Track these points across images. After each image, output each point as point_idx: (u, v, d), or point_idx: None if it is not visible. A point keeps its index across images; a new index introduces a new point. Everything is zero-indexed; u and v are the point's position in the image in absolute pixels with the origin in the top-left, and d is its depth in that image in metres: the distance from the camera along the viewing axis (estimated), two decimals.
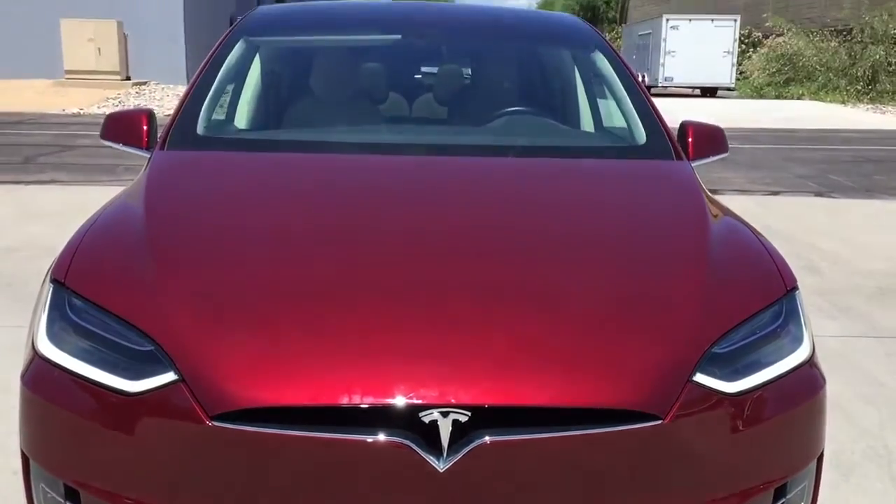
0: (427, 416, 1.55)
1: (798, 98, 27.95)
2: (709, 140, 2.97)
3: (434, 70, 3.45)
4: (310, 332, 1.71)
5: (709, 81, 30.80)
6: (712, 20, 31.44)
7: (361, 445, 1.55)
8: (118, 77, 25.05)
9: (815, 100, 27.16)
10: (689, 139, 2.92)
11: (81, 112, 18.48)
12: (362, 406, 1.57)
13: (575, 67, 3.51)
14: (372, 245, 2.04)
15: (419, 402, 1.56)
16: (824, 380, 1.95)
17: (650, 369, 1.68)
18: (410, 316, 1.76)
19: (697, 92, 31.61)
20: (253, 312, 1.77)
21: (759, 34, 34.52)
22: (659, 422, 1.63)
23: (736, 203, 8.53)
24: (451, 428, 1.55)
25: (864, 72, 27.57)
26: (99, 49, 24.78)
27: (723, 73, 30.52)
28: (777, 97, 28.65)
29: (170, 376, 1.65)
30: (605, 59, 3.21)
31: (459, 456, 1.54)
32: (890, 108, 24.66)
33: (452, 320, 1.74)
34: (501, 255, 2.02)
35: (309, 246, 2.04)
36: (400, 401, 1.57)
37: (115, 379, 1.69)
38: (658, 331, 1.78)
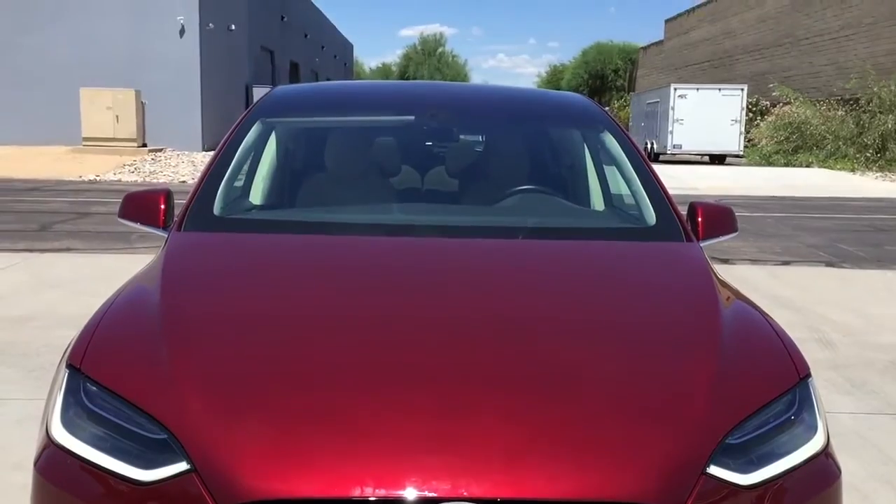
0: None
1: (807, 166, 28.13)
2: (718, 220, 3.00)
3: (446, 149, 3.52)
4: (323, 423, 1.72)
5: (717, 149, 31.11)
6: (720, 89, 31.93)
7: None
8: (135, 144, 25.53)
9: (824, 167, 27.32)
10: (699, 219, 2.95)
11: (98, 178, 18.75)
12: (374, 499, 1.57)
13: (585, 146, 3.57)
14: (385, 333, 2.06)
15: (432, 495, 1.56)
16: (840, 470, 1.94)
17: (663, 461, 1.67)
18: (423, 406, 1.76)
19: (706, 159, 31.87)
20: (266, 402, 1.78)
21: (767, 102, 34.96)
22: None
23: (747, 273, 8.55)
24: None
25: (874, 140, 27.78)
26: (117, 117, 25.31)
27: (731, 141, 30.85)
28: (786, 165, 28.84)
29: (182, 466, 1.65)
30: (614, 139, 3.26)
31: None
32: None
33: (464, 410, 1.74)
34: (513, 343, 2.03)
35: (322, 333, 2.06)
36: (412, 493, 1.57)
37: (127, 468, 1.70)
38: (670, 421, 1.78)
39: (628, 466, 1.66)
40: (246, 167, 3.37)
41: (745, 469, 1.74)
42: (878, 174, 25.30)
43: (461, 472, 1.60)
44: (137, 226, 2.96)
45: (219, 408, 1.75)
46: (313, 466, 1.62)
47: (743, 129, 31.27)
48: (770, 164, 29.73)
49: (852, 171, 26.17)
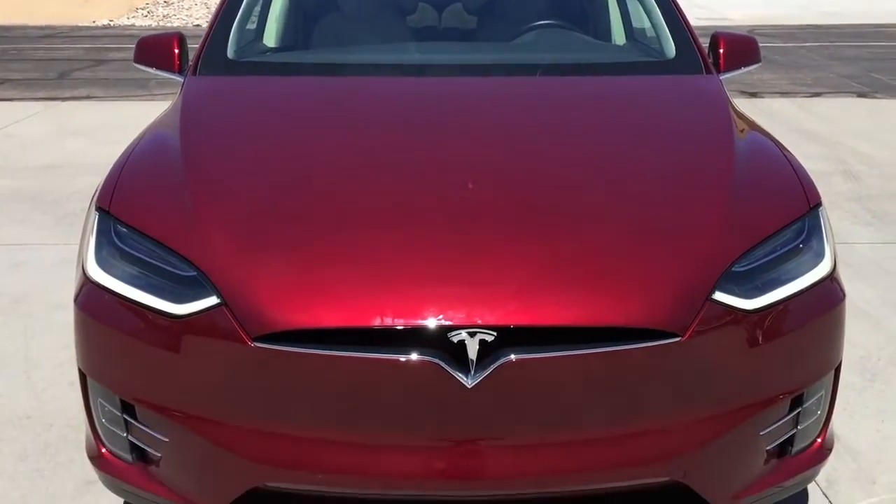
0: (455, 337, 1.63)
1: None
2: (741, 51, 2.93)
3: None
4: (344, 258, 1.78)
5: None
6: None
7: (393, 364, 1.64)
8: None
9: None
10: (721, 50, 2.89)
11: (111, 23, 18.39)
12: (394, 328, 1.66)
13: None
14: (403, 173, 2.10)
15: (448, 323, 1.64)
16: (844, 293, 2.00)
17: (669, 289, 1.73)
18: (441, 241, 1.82)
19: None
20: (289, 239, 1.85)
21: None
22: (677, 339, 1.69)
23: (776, 105, 8.38)
24: (478, 347, 1.63)
25: None
26: None
27: None
28: None
29: (212, 300, 1.74)
30: None
31: (486, 373, 1.63)
32: None
33: (480, 244, 1.80)
34: (528, 180, 2.06)
35: (341, 173, 2.10)
36: (430, 322, 1.65)
37: (161, 302, 1.79)
38: (679, 251, 1.83)
39: (635, 293, 1.72)
40: (258, 8, 3.31)
41: (750, 294, 1.80)
42: None
43: (476, 302, 1.67)
44: (152, 70, 2.95)
45: (244, 245, 1.82)
46: (335, 298, 1.70)
47: None
48: None
49: None
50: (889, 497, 2.38)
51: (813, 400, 1.95)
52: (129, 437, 1.90)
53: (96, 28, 17.44)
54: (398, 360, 1.65)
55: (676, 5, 2.96)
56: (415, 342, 1.65)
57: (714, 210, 1.94)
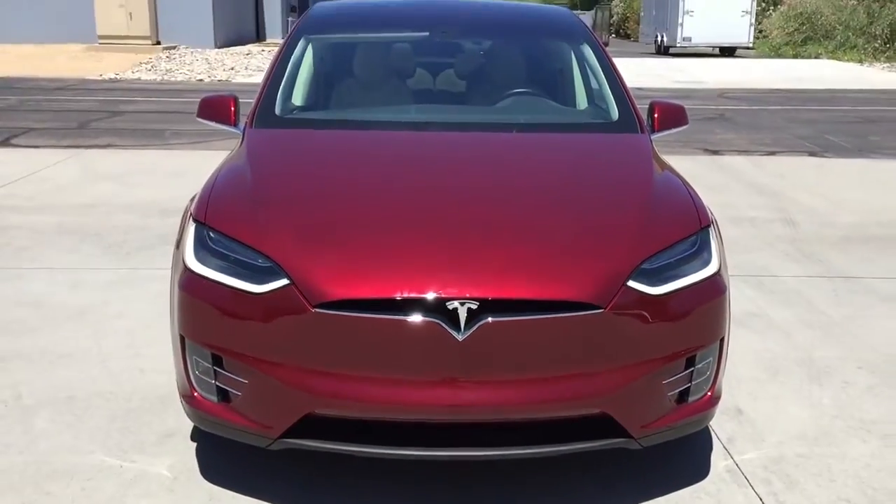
0: (451, 305, 2.41)
1: (815, 57, 28.25)
2: (671, 116, 3.80)
3: (455, 58, 4.29)
4: (376, 251, 2.58)
5: (727, 41, 31.13)
6: None
7: (409, 324, 2.41)
8: (149, 42, 25.92)
9: (833, 59, 27.45)
10: (655, 115, 3.76)
11: (118, 77, 19.33)
12: (410, 299, 2.44)
13: (572, 54, 4.31)
14: (416, 194, 2.94)
15: (446, 296, 2.43)
16: (725, 286, 2.80)
17: (597, 276, 2.53)
18: (441, 243, 2.62)
19: (716, 51, 31.92)
20: (336, 238, 2.65)
21: None
22: (601, 310, 2.48)
23: (734, 162, 9.31)
24: (466, 313, 2.42)
25: (883, 30, 27.82)
26: (130, 14, 25.64)
27: (741, 33, 30.85)
28: (795, 56, 28.97)
29: (284, 281, 2.52)
30: (591, 50, 4.03)
31: (472, 331, 2.40)
32: None
33: (467, 246, 2.60)
34: (502, 200, 2.93)
35: (374, 191, 2.95)
36: (434, 296, 2.44)
37: (245, 284, 2.57)
38: (605, 251, 2.64)
39: (573, 278, 2.52)
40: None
41: (656, 284, 2.60)
42: (886, 65, 25.50)
43: (465, 283, 2.45)
44: (213, 124, 3.78)
45: (305, 243, 2.61)
46: (368, 279, 2.49)
47: (753, 21, 31.20)
48: (779, 55, 29.85)
49: (860, 62, 26.35)
50: (770, 449, 3.15)
51: (703, 363, 2.74)
52: (216, 383, 2.66)
53: (104, 81, 18.36)
54: (412, 321, 2.43)
55: (620, 79, 3.83)
56: (423, 309, 2.44)
57: (632, 224, 2.77)
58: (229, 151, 3.56)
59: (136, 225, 6.26)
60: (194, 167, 8.56)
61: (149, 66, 21.63)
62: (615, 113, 3.68)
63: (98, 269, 5.22)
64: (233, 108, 3.72)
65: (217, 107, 3.75)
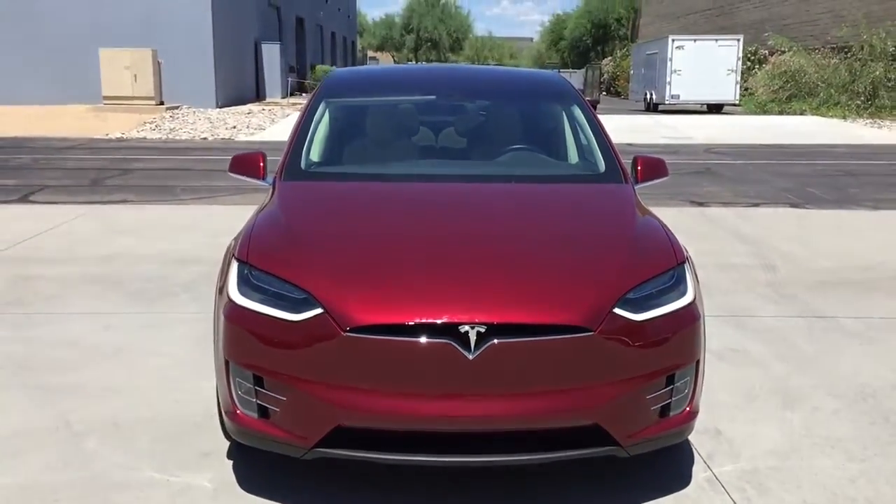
0: (463, 329, 2.82)
1: (800, 113, 29.12)
2: (653, 168, 4.27)
3: (458, 118, 4.78)
4: (396, 284, 2.98)
5: (714, 98, 32.11)
6: (716, 40, 32.82)
7: (425, 345, 2.81)
8: (153, 102, 26.65)
9: (817, 115, 28.31)
10: (639, 168, 4.23)
11: (124, 136, 19.93)
12: (426, 323, 2.84)
13: (564, 114, 4.80)
14: (428, 235, 3.37)
15: (458, 321, 2.84)
16: (700, 314, 3.21)
17: (588, 304, 2.94)
18: (454, 278, 3.03)
19: (704, 108, 32.85)
20: (364, 273, 3.05)
21: (766, 51, 35.75)
22: (591, 333, 2.89)
23: (718, 214, 9.80)
24: (475, 336, 2.82)
25: (865, 87, 28.76)
26: (135, 76, 26.40)
27: (727, 91, 31.84)
28: (780, 113, 29.84)
29: (318, 311, 2.92)
30: (580, 111, 4.53)
31: (480, 351, 2.81)
32: (888, 122, 25.79)
33: (476, 279, 3.01)
34: (504, 238, 3.37)
35: (388, 235, 3.37)
36: (447, 321, 2.84)
37: (283, 313, 2.97)
38: (594, 283, 3.05)
39: (566, 306, 2.93)
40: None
41: (638, 311, 3.01)
42: (868, 121, 26.33)
43: (474, 310, 2.86)
44: (244, 178, 4.24)
45: (336, 277, 3.02)
46: (392, 307, 2.90)
47: (739, 79, 32.22)
48: (765, 112, 30.73)
49: (843, 118, 27.19)
50: (745, 463, 3.53)
51: (682, 381, 3.14)
52: (257, 401, 3.05)
53: (111, 140, 18.94)
54: (428, 343, 2.84)
55: (606, 135, 4.31)
56: (439, 333, 2.84)
57: (618, 260, 3.21)
58: (261, 202, 3.98)
59: (157, 274, 6.66)
60: (205, 220, 9.04)
61: (153, 126, 22.26)
62: (602, 165, 4.15)
63: (126, 313, 5.61)
64: (261, 164, 4.19)
65: (247, 163, 4.21)
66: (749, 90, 34.03)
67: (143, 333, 5.18)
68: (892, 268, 7.14)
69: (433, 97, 4.80)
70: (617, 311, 2.98)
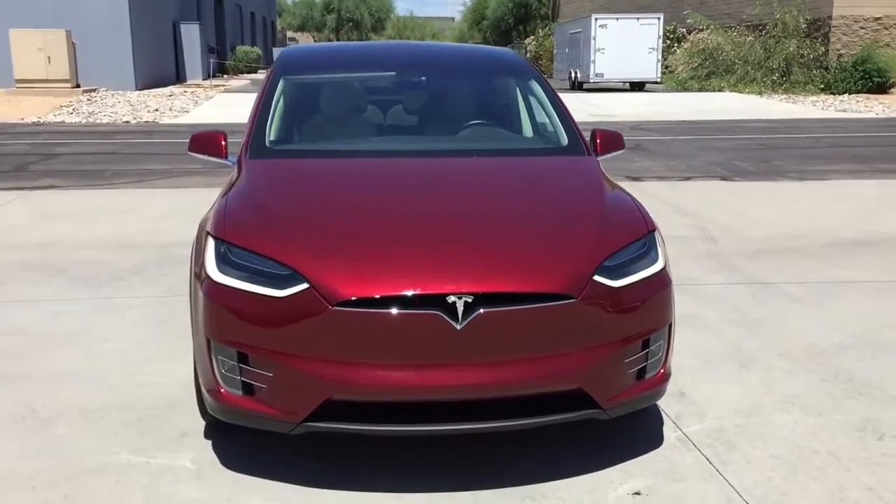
0: (450, 299, 2.85)
1: (719, 90, 29.94)
2: (612, 141, 4.37)
3: (419, 93, 4.78)
4: (383, 258, 2.98)
5: (636, 76, 32.69)
6: (638, 19, 33.33)
7: (414, 316, 2.83)
8: (68, 85, 25.72)
9: (735, 91, 29.17)
10: (598, 141, 4.32)
11: (41, 120, 19.17)
12: (415, 295, 2.87)
13: (518, 90, 4.85)
14: (410, 209, 3.37)
15: (445, 292, 2.87)
16: (670, 280, 3.32)
17: (569, 272, 3.01)
18: (440, 250, 3.04)
19: (627, 86, 33.45)
20: (347, 248, 3.04)
21: (684, 30, 36.54)
22: (574, 300, 2.97)
23: (654, 188, 10.05)
24: (463, 306, 2.86)
25: (779, 64, 29.75)
26: (49, 58, 25.42)
27: (649, 69, 32.45)
28: (700, 90, 30.62)
29: (304, 285, 2.91)
30: (538, 86, 4.59)
31: (468, 320, 2.85)
32: (801, 97, 26.77)
33: (461, 250, 3.04)
34: (482, 212, 3.39)
35: (370, 209, 3.36)
36: (435, 292, 2.86)
37: (268, 289, 2.94)
38: (574, 252, 3.12)
39: (549, 275, 3.00)
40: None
41: (615, 278, 3.10)
42: (783, 96, 27.28)
43: (461, 281, 2.89)
44: (205, 157, 4.16)
45: (321, 253, 3.01)
46: (378, 281, 2.90)
47: (660, 57, 32.86)
48: (685, 89, 31.48)
49: (759, 94, 28.10)
50: (712, 422, 3.68)
51: (656, 345, 3.24)
52: (241, 378, 3.03)
53: (28, 125, 18.21)
54: (417, 314, 2.86)
55: (566, 109, 4.38)
56: (427, 304, 2.87)
57: (593, 230, 3.28)
58: (228, 179, 3.92)
59: (100, 259, 6.48)
60: (143, 205, 8.81)
61: (70, 110, 21.47)
62: (564, 139, 4.22)
63: (73, 299, 5.45)
64: (223, 143, 4.11)
65: (209, 142, 4.14)
66: (669, 68, 34.77)
67: (95, 319, 5.05)
68: (822, 235, 7.47)
69: (393, 73, 4.79)
70: (596, 278, 3.06)
